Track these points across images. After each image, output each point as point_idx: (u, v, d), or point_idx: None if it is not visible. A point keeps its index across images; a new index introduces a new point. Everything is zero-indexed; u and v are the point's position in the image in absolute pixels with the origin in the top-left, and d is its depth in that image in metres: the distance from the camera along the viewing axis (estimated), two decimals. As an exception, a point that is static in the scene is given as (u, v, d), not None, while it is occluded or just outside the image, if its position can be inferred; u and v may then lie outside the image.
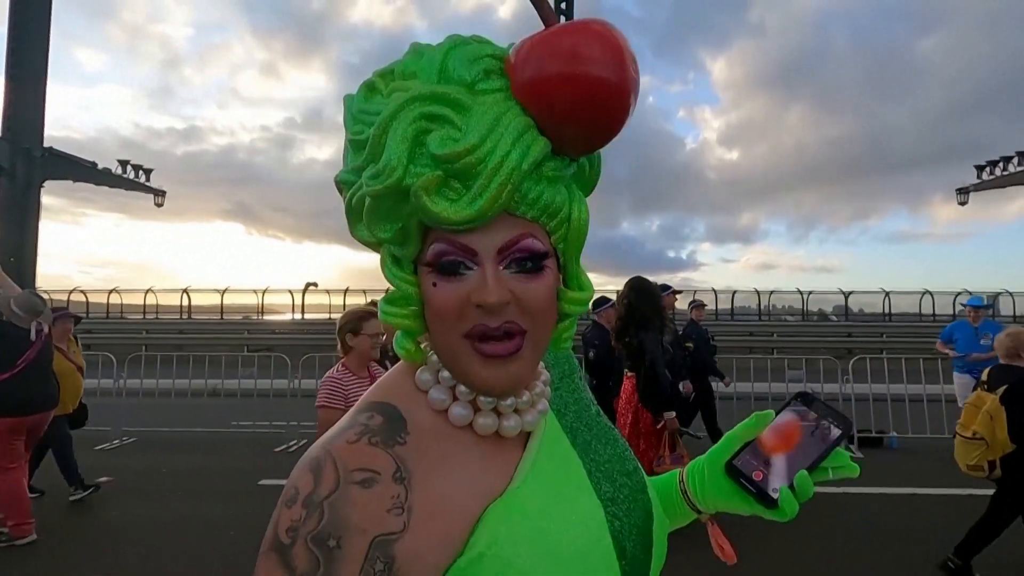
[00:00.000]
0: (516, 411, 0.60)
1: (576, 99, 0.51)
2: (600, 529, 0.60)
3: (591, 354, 5.26)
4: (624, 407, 4.15)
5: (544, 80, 0.52)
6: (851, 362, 7.97)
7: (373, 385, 0.63)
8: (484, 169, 0.50)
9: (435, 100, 0.51)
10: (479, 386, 0.57)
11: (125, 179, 18.74)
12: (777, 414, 0.67)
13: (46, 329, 4.45)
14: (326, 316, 18.91)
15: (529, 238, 0.54)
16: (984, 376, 3.64)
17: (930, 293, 20.31)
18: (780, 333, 17.94)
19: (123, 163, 18.61)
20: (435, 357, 0.60)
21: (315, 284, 20.54)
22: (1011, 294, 19.64)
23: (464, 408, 0.59)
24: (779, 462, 0.62)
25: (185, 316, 20.02)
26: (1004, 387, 3.43)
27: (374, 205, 0.53)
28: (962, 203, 20.03)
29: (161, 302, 20.64)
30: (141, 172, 19.23)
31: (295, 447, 6.75)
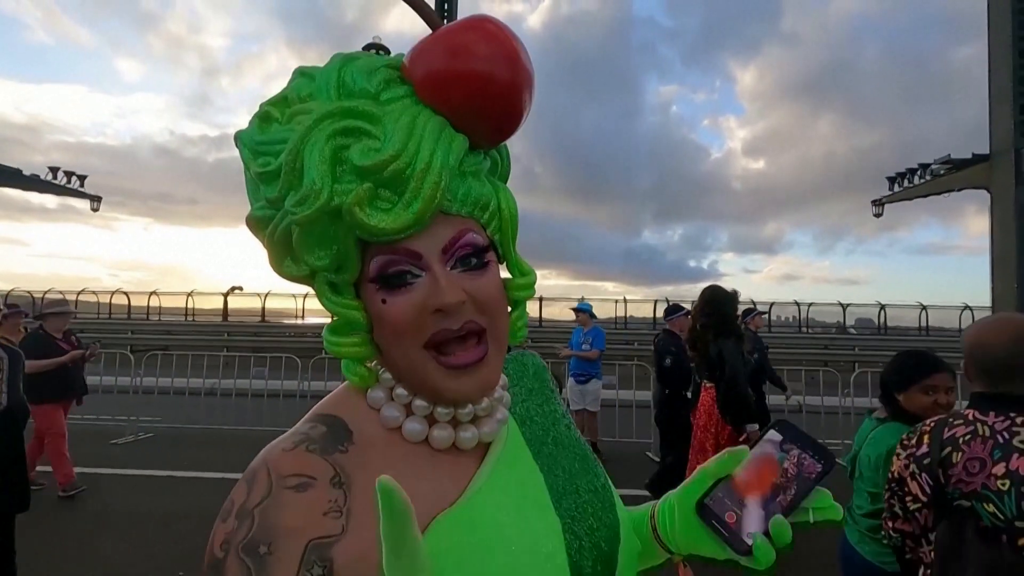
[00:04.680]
0: (473, 421, 0.60)
1: (472, 94, 0.53)
2: (556, 546, 0.58)
3: (667, 362, 5.11)
4: (705, 420, 3.98)
5: (442, 78, 0.53)
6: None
7: (323, 399, 0.62)
8: (413, 173, 0.50)
9: (345, 115, 0.51)
10: (449, 398, 0.56)
11: (55, 185, 19.46)
12: (754, 445, 0.60)
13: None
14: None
15: (469, 233, 0.55)
16: None
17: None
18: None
19: (53, 169, 19.37)
20: (387, 375, 0.59)
21: (240, 288, 21.18)
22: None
23: (419, 423, 0.58)
24: (754, 504, 0.56)
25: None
26: None
27: (304, 233, 0.52)
28: (877, 215, 19.96)
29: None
30: (75, 178, 19.94)
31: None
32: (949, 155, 16.70)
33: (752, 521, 0.55)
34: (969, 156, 16.07)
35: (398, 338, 0.54)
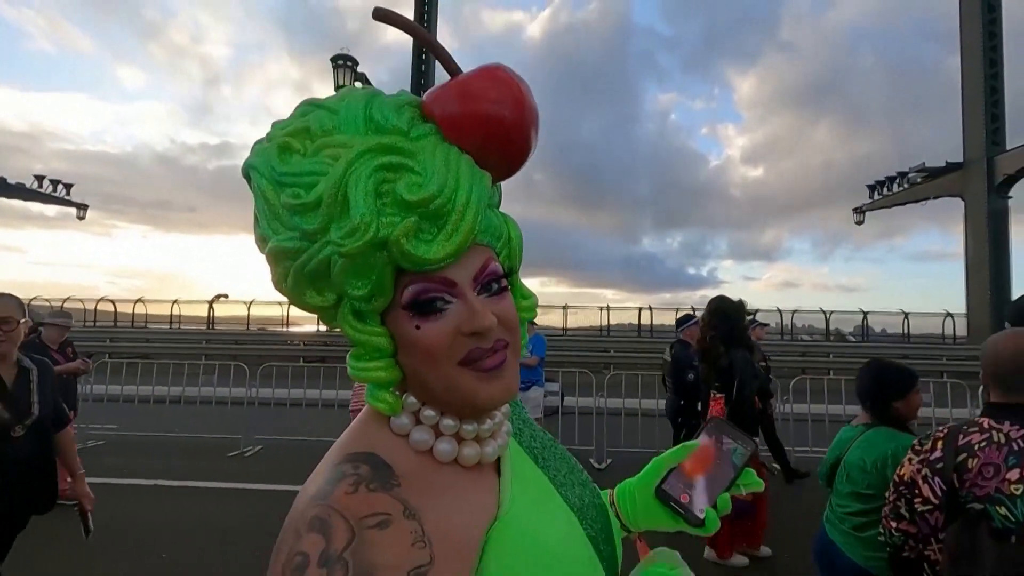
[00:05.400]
0: (492, 436, 0.65)
1: (484, 133, 0.57)
2: (579, 532, 0.66)
3: (690, 376, 5.05)
4: None
5: (458, 119, 0.57)
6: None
7: (343, 436, 0.63)
8: (453, 208, 0.54)
9: (386, 151, 0.54)
10: (483, 403, 0.59)
11: (41, 193, 19.56)
12: (695, 437, 0.75)
13: None
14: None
15: (493, 262, 0.59)
16: None
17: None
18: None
19: (39, 177, 19.46)
20: (411, 399, 0.61)
21: (226, 295, 21.28)
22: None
23: (449, 443, 0.61)
24: (700, 483, 0.71)
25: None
26: None
27: (348, 264, 0.54)
28: (859, 223, 19.99)
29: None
30: (61, 186, 20.01)
31: None
32: (924, 163, 16.76)
33: (701, 498, 0.71)
34: (943, 164, 16.15)
35: (433, 360, 0.57)
